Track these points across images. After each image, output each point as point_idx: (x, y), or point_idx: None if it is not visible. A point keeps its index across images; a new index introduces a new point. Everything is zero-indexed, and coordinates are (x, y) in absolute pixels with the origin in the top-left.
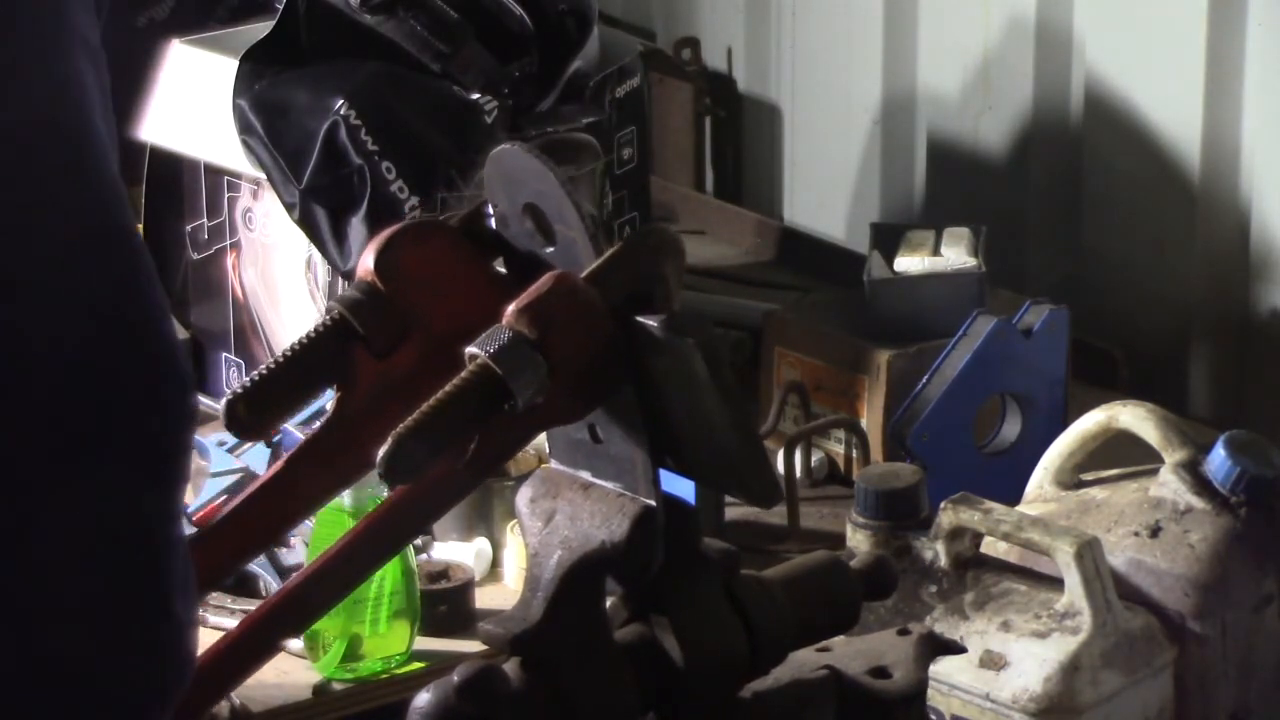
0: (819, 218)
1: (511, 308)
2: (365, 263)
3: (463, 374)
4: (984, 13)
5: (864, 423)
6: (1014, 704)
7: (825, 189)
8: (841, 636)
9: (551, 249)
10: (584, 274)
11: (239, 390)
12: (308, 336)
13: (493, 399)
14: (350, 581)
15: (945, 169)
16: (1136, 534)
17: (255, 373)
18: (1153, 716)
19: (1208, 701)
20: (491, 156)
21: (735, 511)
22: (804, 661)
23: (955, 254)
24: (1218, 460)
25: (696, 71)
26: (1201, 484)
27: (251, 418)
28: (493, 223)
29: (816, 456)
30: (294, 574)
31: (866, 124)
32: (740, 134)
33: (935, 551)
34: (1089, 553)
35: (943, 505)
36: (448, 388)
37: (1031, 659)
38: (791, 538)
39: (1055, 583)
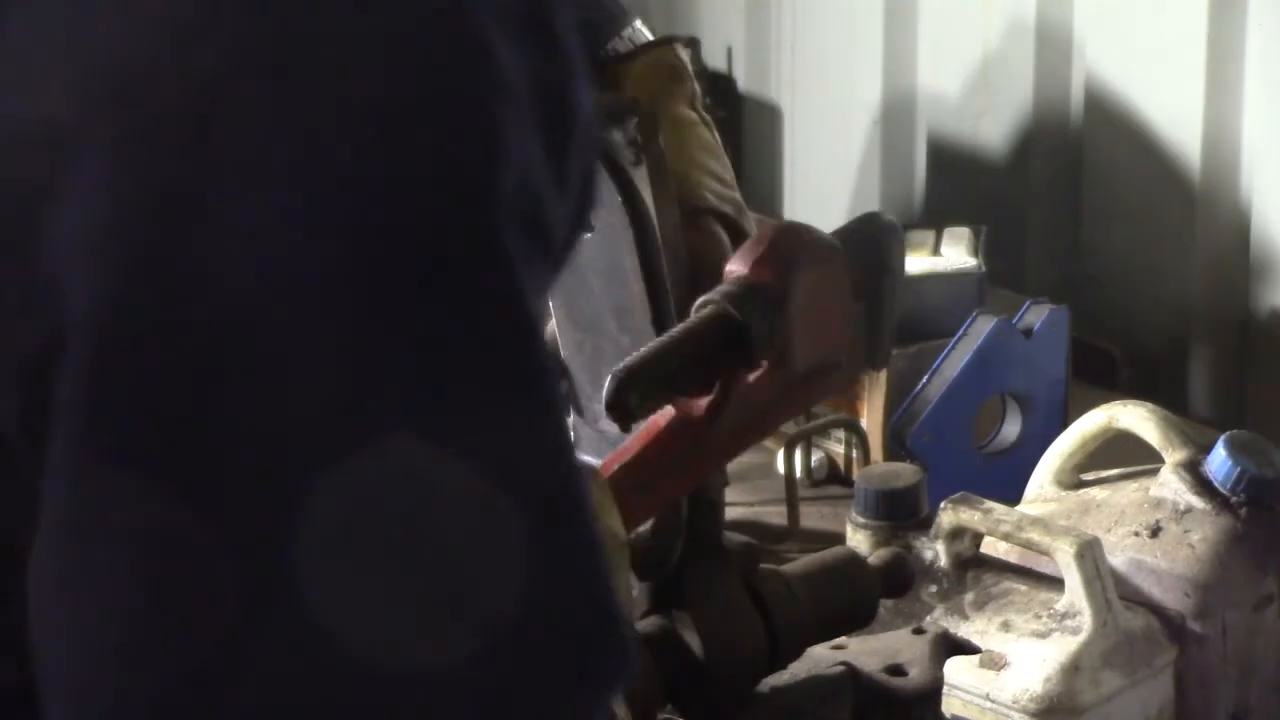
0: (819, 218)
1: (746, 260)
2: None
3: (695, 317)
4: (984, 13)
5: (864, 423)
6: (1014, 704)
7: (825, 189)
8: (856, 634)
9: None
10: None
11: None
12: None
13: (726, 343)
14: None
15: (945, 169)
16: (1136, 534)
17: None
18: (1153, 716)
19: (1208, 701)
20: None
21: (735, 511)
22: (820, 658)
23: (955, 254)
24: (1218, 460)
25: (696, 71)
26: (1202, 484)
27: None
28: None
29: (816, 456)
30: None
31: (866, 124)
32: (740, 134)
33: (935, 551)
34: (1089, 553)
35: (943, 505)
36: (679, 327)
37: (1031, 659)
38: (791, 537)
39: (1055, 583)
